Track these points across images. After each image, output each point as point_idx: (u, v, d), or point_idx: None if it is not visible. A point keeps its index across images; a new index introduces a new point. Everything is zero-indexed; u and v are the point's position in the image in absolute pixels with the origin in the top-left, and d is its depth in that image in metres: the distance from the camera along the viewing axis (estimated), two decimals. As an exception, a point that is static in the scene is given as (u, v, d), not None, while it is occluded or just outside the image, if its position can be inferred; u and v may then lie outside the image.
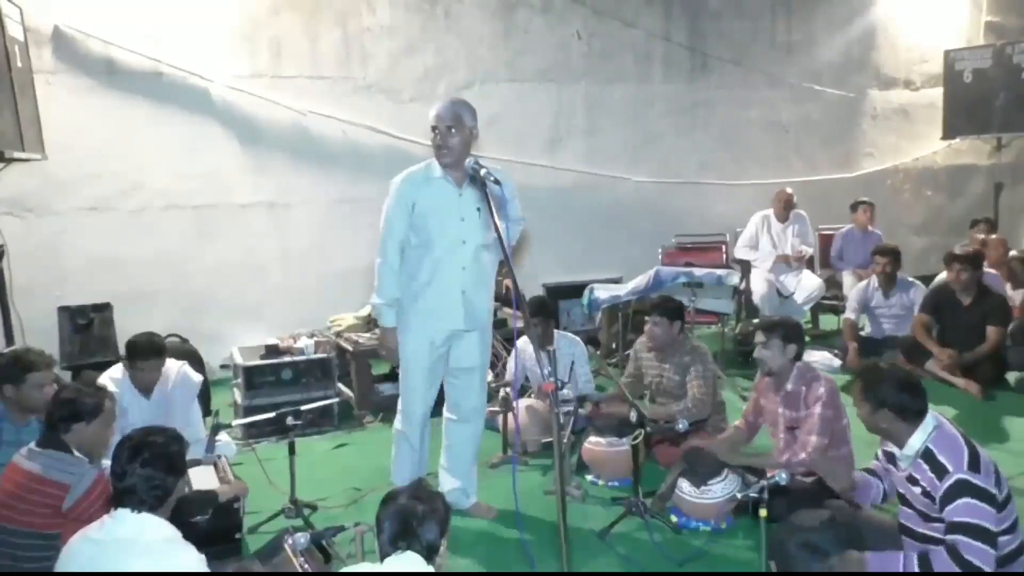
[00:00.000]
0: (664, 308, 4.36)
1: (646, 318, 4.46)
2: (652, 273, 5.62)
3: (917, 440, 2.60)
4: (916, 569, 2.49)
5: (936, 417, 2.65)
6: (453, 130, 3.39)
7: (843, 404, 3.56)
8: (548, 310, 4.99)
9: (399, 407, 3.78)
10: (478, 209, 3.49)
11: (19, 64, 4.52)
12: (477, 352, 3.70)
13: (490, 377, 5.38)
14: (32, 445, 2.87)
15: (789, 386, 3.57)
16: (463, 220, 3.49)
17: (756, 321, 6.63)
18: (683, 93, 7.87)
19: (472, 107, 3.51)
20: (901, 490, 2.72)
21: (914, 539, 2.69)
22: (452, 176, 3.49)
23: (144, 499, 2.25)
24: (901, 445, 2.65)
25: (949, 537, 2.46)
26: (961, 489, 2.45)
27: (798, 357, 3.62)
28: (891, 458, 2.78)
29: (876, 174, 8.67)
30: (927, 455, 2.57)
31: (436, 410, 3.81)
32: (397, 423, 3.78)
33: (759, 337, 3.60)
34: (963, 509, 2.44)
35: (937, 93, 8.36)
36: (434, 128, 3.43)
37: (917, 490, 2.61)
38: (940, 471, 2.51)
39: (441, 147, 3.43)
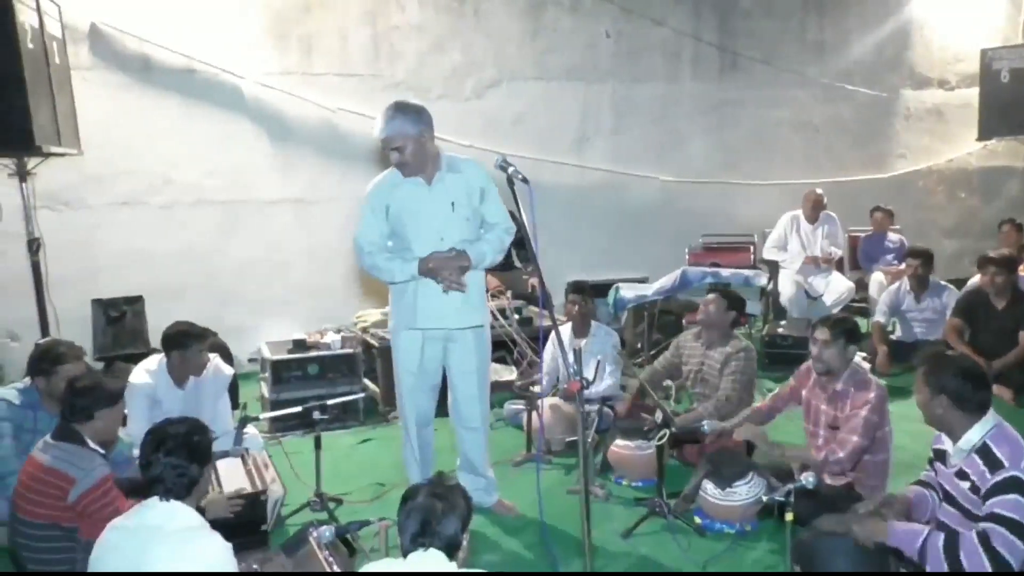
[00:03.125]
0: (724, 291, 4.45)
1: (708, 295, 4.48)
2: (678, 273, 5.59)
3: (975, 434, 2.55)
4: (940, 548, 2.44)
5: (997, 416, 2.61)
6: (402, 148, 3.30)
7: (888, 411, 3.51)
8: (588, 290, 4.99)
9: (398, 408, 3.78)
10: (452, 204, 3.44)
11: (57, 61, 4.59)
12: (472, 357, 3.62)
13: (514, 375, 5.43)
14: (47, 437, 2.90)
15: (839, 385, 3.50)
16: (438, 216, 3.43)
17: (782, 325, 6.62)
18: (712, 92, 7.81)
19: (415, 106, 3.36)
20: (947, 487, 2.67)
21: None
22: (421, 175, 3.44)
23: (171, 487, 2.29)
24: (956, 438, 2.60)
25: (983, 524, 2.42)
26: (1012, 486, 2.41)
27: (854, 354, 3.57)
28: (940, 455, 2.73)
29: (908, 175, 8.55)
30: (983, 450, 2.53)
31: (443, 410, 3.81)
32: (401, 423, 3.78)
33: (822, 334, 3.47)
34: (1009, 504, 2.39)
35: (973, 93, 8.22)
36: (384, 147, 3.36)
37: (965, 485, 2.57)
38: (994, 465, 2.47)
39: (399, 165, 3.37)
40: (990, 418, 2.58)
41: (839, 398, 3.51)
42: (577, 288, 4.96)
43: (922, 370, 2.69)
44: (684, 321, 6.12)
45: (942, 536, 2.47)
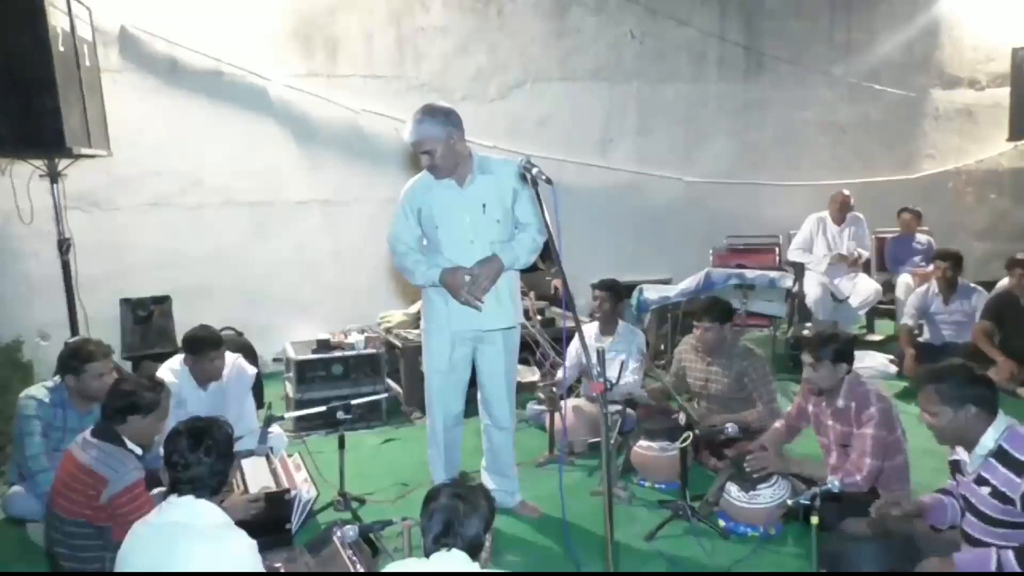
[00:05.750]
0: (715, 311, 4.27)
1: (695, 323, 4.36)
2: (703, 275, 5.55)
3: (989, 438, 2.54)
4: (1014, 563, 2.40)
5: (1008, 418, 2.59)
6: (432, 152, 3.32)
7: (897, 416, 3.45)
8: (617, 288, 4.95)
9: (426, 407, 3.79)
10: (483, 205, 3.43)
11: (87, 63, 4.65)
12: (501, 358, 3.64)
13: (537, 376, 5.43)
14: (87, 434, 2.93)
15: (840, 403, 3.45)
16: (468, 219, 3.43)
17: (807, 327, 6.55)
18: (737, 93, 7.76)
19: (443, 109, 3.36)
20: (967, 496, 2.65)
21: (975, 547, 2.61)
22: (453, 177, 3.44)
23: (208, 484, 2.32)
24: (973, 446, 2.58)
25: None
26: None
27: (848, 371, 3.47)
28: (956, 466, 2.71)
29: (937, 176, 8.43)
30: (1001, 454, 2.51)
31: (472, 410, 3.82)
32: (428, 422, 3.79)
33: (807, 358, 3.44)
34: None
35: (1004, 93, 8.06)
36: (415, 151, 3.39)
37: (985, 490, 2.54)
38: (1019, 468, 2.46)
39: (430, 168, 3.39)
40: (1001, 420, 2.57)
41: (843, 414, 3.46)
42: (604, 285, 4.92)
43: (933, 389, 2.61)
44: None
45: (1012, 553, 2.43)
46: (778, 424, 3.90)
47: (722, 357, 4.28)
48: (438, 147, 3.31)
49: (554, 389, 4.56)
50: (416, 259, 3.51)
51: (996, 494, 2.50)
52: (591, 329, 4.90)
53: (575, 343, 4.83)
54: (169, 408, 3.11)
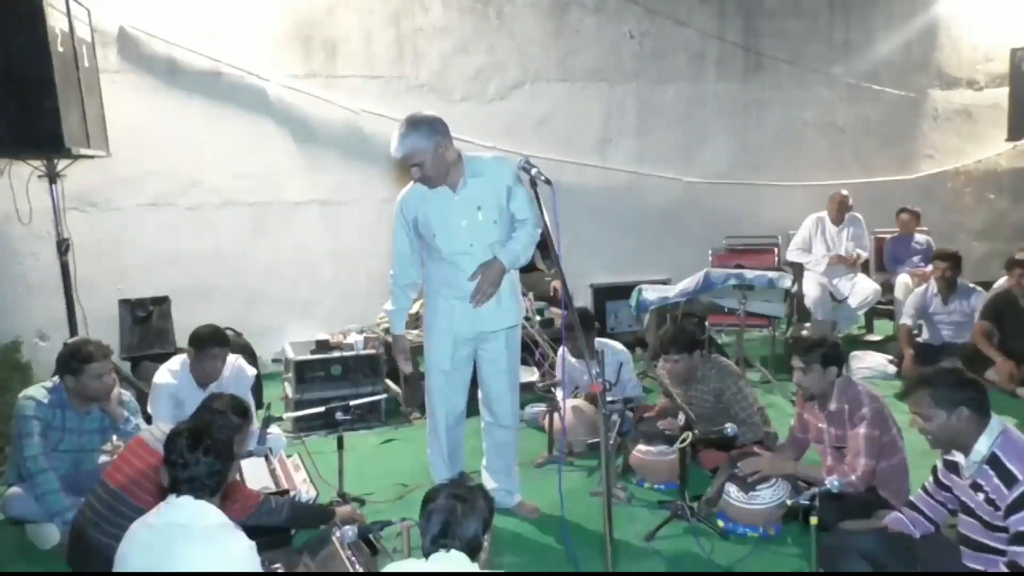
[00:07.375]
0: (681, 342, 4.16)
1: (663, 357, 4.25)
2: (702, 275, 5.55)
3: (983, 444, 2.54)
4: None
5: (1001, 421, 2.59)
6: (422, 164, 3.27)
7: (891, 416, 3.45)
8: (587, 323, 4.89)
9: (427, 407, 3.79)
10: (478, 208, 3.41)
11: (86, 64, 4.65)
12: (504, 356, 3.64)
13: (535, 376, 5.43)
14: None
15: (832, 406, 3.45)
16: (465, 223, 3.41)
17: (807, 327, 6.56)
18: (736, 93, 7.76)
19: (427, 119, 3.30)
20: (963, 498, 2.65)
21: (975, 550, 2.62)
22: (446, 184, 3.41)
23: (206, 485, 2.32)
24: (968, 450, 2.58)
25: (1012, 548, 2.41)
26: None
27: (839, 374, 3.47)
28: (952, 467, 2.71)
29: (936, 176, 8.42)
30: (993, 461, 2.51)
31: (472, 409, 3.81)
32: (428, 422, 3.78)
33: (797, 363, 3.45)
34: None
35: (1002, 93, 8.07)
36: (403, 165, 3.37)
37: (980, 497, 2.55)
38: (1009, 479, 2.45)
39: (422, 180, 3.36)
40: (995, 425, 2.56)
41: (837, 417, 3.46)
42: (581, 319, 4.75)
43: (926, 393, 2.62)
44: (707, 323, 6.08)
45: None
46: (784, 443, 3.87)
47: (698, 382, 4.22)
48: (427, 159, 3.27)
49: (552, 389, 4.56)
50: (397, 302, 3.71)
51: (990, 501, 2.51)
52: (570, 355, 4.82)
53: (560, 363, 4.81)
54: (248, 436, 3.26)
